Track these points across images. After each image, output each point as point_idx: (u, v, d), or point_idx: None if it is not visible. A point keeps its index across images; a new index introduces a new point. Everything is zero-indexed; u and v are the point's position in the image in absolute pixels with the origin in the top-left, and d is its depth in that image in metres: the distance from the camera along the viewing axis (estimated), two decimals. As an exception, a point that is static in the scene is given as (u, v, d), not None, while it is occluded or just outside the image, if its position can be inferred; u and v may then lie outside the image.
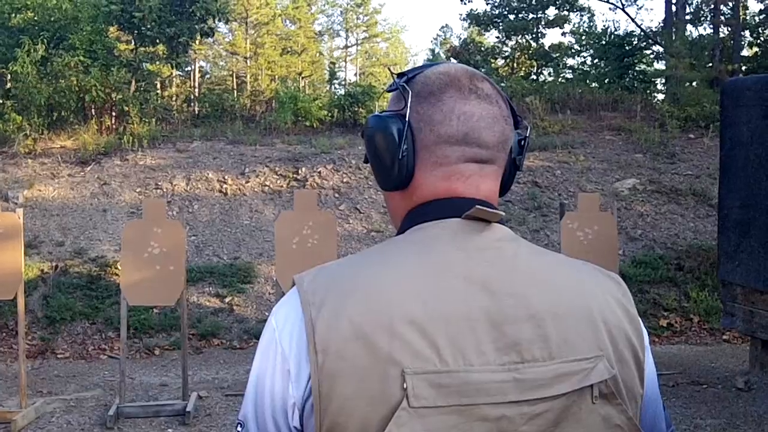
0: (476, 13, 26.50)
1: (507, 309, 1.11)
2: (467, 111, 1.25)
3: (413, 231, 1.22)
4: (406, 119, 1.25)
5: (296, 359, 1.11)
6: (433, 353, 1.06)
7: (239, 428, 1.18)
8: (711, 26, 23.64)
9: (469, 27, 28.13)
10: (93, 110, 16.85)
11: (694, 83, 19.46)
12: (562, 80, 23.37)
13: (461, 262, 1.14)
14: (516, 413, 1.07)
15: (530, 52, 25.73)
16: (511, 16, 25.66)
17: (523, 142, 1.35)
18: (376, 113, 1.32)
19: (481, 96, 1.26)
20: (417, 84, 1.28)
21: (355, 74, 42.72)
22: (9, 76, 16.38)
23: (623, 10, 25.23)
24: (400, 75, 1.33)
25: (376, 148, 1.28)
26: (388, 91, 1.35)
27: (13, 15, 17.45)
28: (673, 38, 21.53)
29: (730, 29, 22.88)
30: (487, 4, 26.11)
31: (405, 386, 1.04)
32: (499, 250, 1.17)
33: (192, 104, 21.33)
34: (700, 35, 23.54)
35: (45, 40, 16.73)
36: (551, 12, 25.61)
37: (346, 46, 43.56)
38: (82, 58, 16.52)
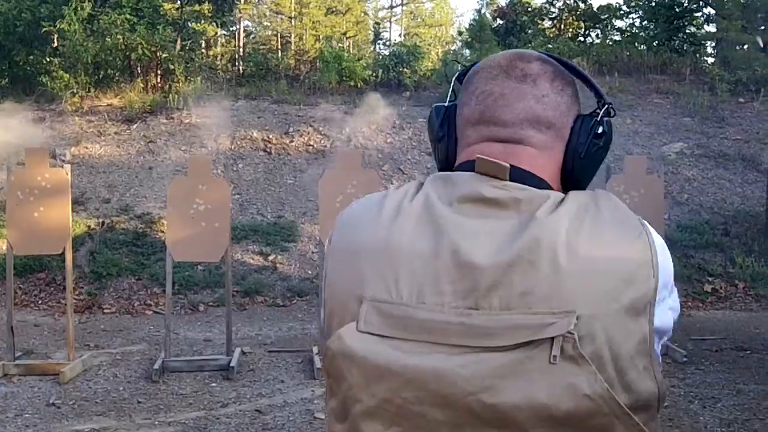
0: (524, -28, 26.06)
1: (477, 254, 1.07)
2: (486, 90, 1.24)
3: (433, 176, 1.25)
4: (446, 105, 1.32)
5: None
6: (392, 284, 1.10)
7: None
8: (765, -13, 23.01)
9: (516, -13, 27.66)
10: (139, 68, 16.91)
11: (745, 46, 18.99)
12: (610, 42, 22.93)
13: (449, 206, 1.14)
14: (454, 357, 1.05)
15: (578, 13, 25.25)
16: (559, -24, 25.21)
17: (594, 128, 1.25)
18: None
19: (512, 75, 1.24)
20: (467, 75, 1.33)
21: (400, 35, 42.35)
22: (56, 34, 16.49)
23: (674, -30, 24.66)
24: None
25: (429, 136, 1.37)
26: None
27: (61, -27, 17.53)
28: (725, 0, 21.02)
29: (784, -10, 22.26)
30: (535, -37, 25.69)
31: (360, 310, 1.11)
32: (492, 200, 1.13)
33: (237, 63, 21.31)
34: (753, -3, 22.95)
35: (92, -2, 16.80)
36: (600, -28, 25.14)
37: (391, 6, 43.18)
38: (128, 16, 16.56)
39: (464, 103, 1.28)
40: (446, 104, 1.32)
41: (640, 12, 24.80)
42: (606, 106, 1.26)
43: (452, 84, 1.33)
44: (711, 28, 23.13)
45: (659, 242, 1.13)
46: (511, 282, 1.05)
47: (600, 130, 1.25)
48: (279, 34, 30.86)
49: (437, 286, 1.08)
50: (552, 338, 1.02)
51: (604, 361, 1.03)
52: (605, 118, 1.26)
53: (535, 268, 1.05)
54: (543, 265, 1.05)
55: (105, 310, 9.88)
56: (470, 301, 1.06)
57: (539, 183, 1.19)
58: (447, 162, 1.30)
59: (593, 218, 1.11)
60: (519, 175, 1.17)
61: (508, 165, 1.15)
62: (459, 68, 1.37)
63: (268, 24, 33.61)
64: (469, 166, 1.20)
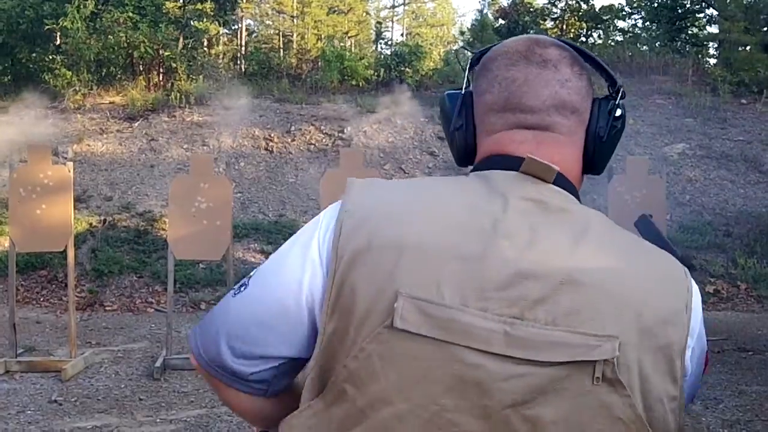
0: (526, -28, 26.05)
1: (527, 263, 1.06)
2: (509, 76, 1.22)
3: (470, 174, 1.21)
4: (461, 93, 1.28)
5: (326, 257, 1.13)
6: (432, 284, 1.05)
7: (241, 288, 1.20)
8: (767, -12, 22.97)
9: (518, -13, 27.64)
10: (141, 67, 16.94)
11: (748, 47, 18.98)
12: (612, 43, 22.98)
13: (498, 207, 1.11)
14: (497, 367, 1.03)
15: (580, 13, 25.26)
16: (562, -24, 25.22)
17: (612, 111, 1.26)
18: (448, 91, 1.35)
19: (533, 61, 1.22)
20: (481, 61, 1.29)
21: (402, 34, 42.30)
22: (59, 32, 16.50)
23: (677, -29, 24.66)
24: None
25: (444, 125, 1.34)
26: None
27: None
28: (728, 1, 21.01)
29: (787, -8, 22.24)
30: (538, -36, 25.68)
31: (395, 306, 1.04)
32: (544, 204, 1.12)
33: (239, 62, 21.34)
34: (756, -2, 22.93)
35: (94, -4, 16.81)
36: (603, -28, 25.20)
37: (393, 6, 43.16)
38: (130, 14, 16.58)
39: (485, 90, 1.24)
40: (462, 92, 1.29)
41: (643, 13, 24.82)
42: (620, 89, 1.27)
43: (466, 71, 1.30)
44: (713, 29, 23.16)
45: (697, 293, 1.15)
46: (559, 299, 1.05)
47: (618, 112, 1.26)
48: (281, 33, 30.81)
49: (482, 291, 1.05)
50: (595, 361, 1.03)
51: (633, 392, 1.05)
52: (621, 101, 1.27)
53: (584, 289, 1.05)
54: (591, 288, 1.05)
55: (107, 308, 9.88)
56: (515, 310, 1.05)
57: (571, 187, 1.19)
58: (466, 151, 1.28)
59: (645, 256, 1.14)
60: (560, 181, 1.16)
61: (557, 168, 1.14)
62: (467, 54, 1.34)
63: (270, 23, 33.58)
64: (500, 160, 1.19)
